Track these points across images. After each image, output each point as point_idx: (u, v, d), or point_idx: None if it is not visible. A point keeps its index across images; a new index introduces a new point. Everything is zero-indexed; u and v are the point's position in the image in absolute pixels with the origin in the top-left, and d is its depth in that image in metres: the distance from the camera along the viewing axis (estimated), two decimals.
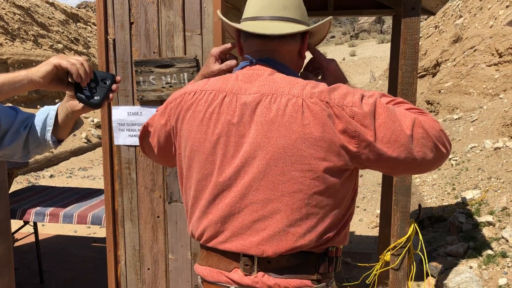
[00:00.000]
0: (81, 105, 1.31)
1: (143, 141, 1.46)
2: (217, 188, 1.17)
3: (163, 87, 2.60)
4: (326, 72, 1.29)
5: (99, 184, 8.15)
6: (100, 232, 5.64)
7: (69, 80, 1.28)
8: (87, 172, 9.70)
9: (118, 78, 1.33)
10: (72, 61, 1.23)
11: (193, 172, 1.21)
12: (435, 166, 1.17)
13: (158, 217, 2.72)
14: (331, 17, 1.28)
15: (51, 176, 9.20)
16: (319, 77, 1.33)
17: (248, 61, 1.23)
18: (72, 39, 15.47)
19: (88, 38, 17.06)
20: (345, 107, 1.08)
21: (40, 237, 4.33)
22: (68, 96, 1.33)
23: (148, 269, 2.78)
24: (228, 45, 1.35)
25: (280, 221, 1.11)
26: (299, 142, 1.08)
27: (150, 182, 2.71)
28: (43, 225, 5.65)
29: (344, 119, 1.07)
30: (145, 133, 1.44)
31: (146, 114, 2.64)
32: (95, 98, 1.27)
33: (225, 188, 1.16)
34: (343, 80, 1.28)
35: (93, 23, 18.62)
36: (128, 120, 2.67)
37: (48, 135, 1.37)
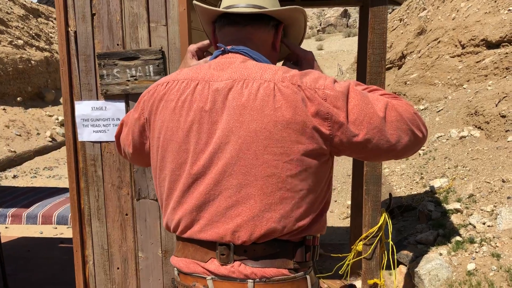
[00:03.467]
0: None
1: (119, 141, 1.43)
2: (191, 176, 1.14)
3: (128, 80, 2.51)
4: (304, 61, 1.32)
5: (66, 184, 7.91)
6: (67, 232, 5.48)
7: None
8: (52, 171, 9.42)
9: None
10: None
11: (167, 162, 1.19)
12: (412, 151, 1.16)
13: (127, 214, 2.64)
14: (299, 7, 1.25)
15: (14, 176, 8.90)
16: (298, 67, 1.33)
17: (221, 50, 1.22)
18: (33, 34, 14.97)
19: (50, 34, 16.55)
20: (317, 90, 1.08)
21: (3, 240, 4.16)
22: None
23: (118, 268, 2.70)
24: (206, 42, 1.36)
25: (254, 205, 1.09)
26: (271, 125, 1.07)
27: (117, 179, 2.63)
28: (6, 227, 5.45)
29: (316, 101, 1.07)
30: (120, 132, 1.42)
31: (111, 108, 2.55)
32: None
33: (200, 176, 1.14)
34: (320, 71, 1.27)
35: (55, 18, 18.05)
36: (92, 115, 2.57)
37: None
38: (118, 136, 1.44)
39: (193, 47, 1.37)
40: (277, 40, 1.27)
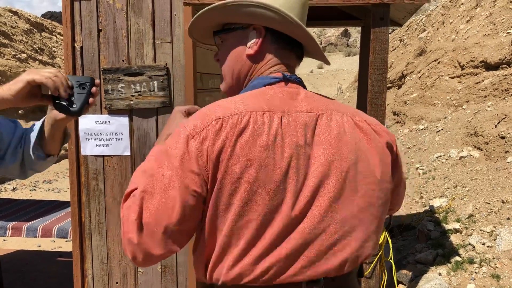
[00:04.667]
0: (62, 114, 1.27)
1: (142, 235, 0.98)
2: (292, 218, 1.02)
3: (132, 96, 2.54)
4: None
5: (65, 197, 7.91)
6: (65, 246, 5.46)
7: (43, 93, 1.23)
8: (52, 184, 9.41)
9: (97, 81, 1.28)
10: (46, 75, 1.18)
11: (254, 206, 1.00)
12: (397, 208, 1.36)
13: None
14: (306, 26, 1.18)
15: (14, 189, 8.88)
16: None
17: (279, 77, 1.11)
18: (37, 48, 15.11)
19: (54, 48, 16.70)
20: (378, 126, 1.16)
21: (1, 253, 4.15)
22: (50, 107, 1.29)
23: (117, 283, 2.69)
24: (196, 107, 1.20)
25: (357, 237, 1.09)
26: (364, 156, 1.09)
27: (118, 193, 2.64)
28: (4, 240, 5.43)
29: (384, 133, 1.15)
30: (140, 218, 0.97)
31: (115, 123, 2.58)
32: (74, 106, 1.22)
33: (300, 217, 1.03)
34: None
35: (59, 33, 18.25)
36: (95, 129, 2.60)
37: (30, 148, 1.32)
38: (137, 233, 0.97)
39: (182, 108, 1.20)
40: None
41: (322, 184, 1.03)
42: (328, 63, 1.24)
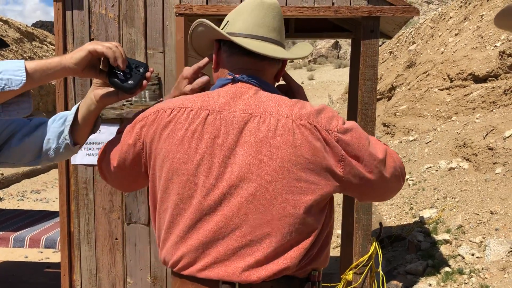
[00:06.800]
0: (106, 91, 1.27)
1: (102, 162, 1.33)
2: (200, 212, 1.09)
3: (124, 105, 2.54)
4: (297, 95, 1.32)
5: (53, 207, 7.82)
6: (53, 257, 5.39)
7: (101, 67, 1.25)
8: (40, 194, 9.30)
9: (151, 68, 1.30)
10: (107, 45, 1.20)
11: (170, 194, 1.13)
12: (393, 195, 1.28)
13: (116, 239, 2.62)
14: (312, 48, 1.33)
15: (1, 199, 8.77)
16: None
17: (229, 78, 1.19)
18: (27, 57, 15.03)
19: (44, 57, 16.62)
20: (330, 132, 1.09)
21: None
22: (95, 85, 1.29)
23: None
24: (201, 63, 1.29)
25: (270, 245, 1.07)
26: (291, 165, 1.06)
27: (108, 202, 2.62)
28: None
29: (331, 144, 1.09)
30: (103, 158, 1.33)
31: (105, 132, 2.57)
32: (129, 82, 1.23)
33: (209, 212, 1.09)
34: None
35: (50, 42, 18.19)
36: None
37: (66, 131, 1.31)
38: (101, 161, 1.34)
39: (189, 72, 1.28)
40: (281, 71, 1.28)
41: (236, 186, 1.07)
42: (280, 58, 1.22)
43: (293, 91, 1.33)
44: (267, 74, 1.23)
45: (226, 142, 1.08)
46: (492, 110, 7.25)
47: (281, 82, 1.37)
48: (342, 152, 1.09)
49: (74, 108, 1.35)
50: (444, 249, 4.01)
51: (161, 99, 1.41)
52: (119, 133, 1.32)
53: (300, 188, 1.07)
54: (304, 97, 1.33)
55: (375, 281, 2.99)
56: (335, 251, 5.68)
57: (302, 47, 1.32)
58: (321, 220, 1.13)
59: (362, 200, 1.28)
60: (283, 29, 1.25)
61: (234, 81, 1.18)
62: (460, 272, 3.55)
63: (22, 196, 9.10)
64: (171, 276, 1.21)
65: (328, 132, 1.09)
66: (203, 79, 1.27)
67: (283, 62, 1.27)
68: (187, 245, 1.11)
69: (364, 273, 2.85)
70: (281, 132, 1.07)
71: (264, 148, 1.07)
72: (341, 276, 3.09)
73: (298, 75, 40.83)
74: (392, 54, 15.44)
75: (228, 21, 1.24)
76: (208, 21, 1.20)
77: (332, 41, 52.04)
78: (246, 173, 1.07)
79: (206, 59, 1.29)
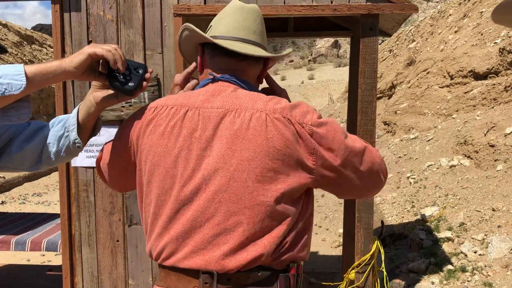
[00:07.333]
0: (105, 93, 1.27)
1: (100, 164, 1.39)
2: (178, 202, 1.14)
3: (123, 107, 2.53)
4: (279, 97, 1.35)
5: (55, 210, 7.82)
6: (55, 259, 5.38)
7: (100, 70, 1.25)
8: (41, 197, 9.31)
9: (150, 69, 1.31)
10: (107, 48, 1.20)
11: (153, 188, 1.18)
12: (374, 192, 1.31)
13: (118, 241, 2.62)
14: (291, 49, 1.40)
15: (3, 202, 8.77)
16: None
17: (210, 78, 1.25)
18: (27, 61, 15.05)
19: (44, 60, 16.65)
20: (304, 125, 1.14)
21: None
22: (94, 88, 1.29)
23: None
24: (189, 68, 1.35)
25: (243, 233, 1.11)
26: (263, 155, 1.11)
27: (109, 205, 2.62)
28: None
29: (304, 136, 1.13)
30: (101, 158, 1.38)
31: (105, 134, 2.56)
32: (130, 84, 1.25)
33: (187, 202, 1.14)
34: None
35: (49, 45, 18.21)
36: None
37: (73, 134, 1.31)
38: (99, 161, 1.40)
39: (179, 78, 1.36)
40: (264, 73, 1.33)
41: (211, 176, 1.12)
42: (262, 55, 1.25)
43: (276, 94, 1.36)
44: (248, 74, 1.27)
45: (203, 136, 1.14)
46: (492, 107, 7.23)
47: (266, 85, 1.41)
48: (314, 145, 1.13)
49: (74, 111, 1.34)
50: (447, 247, 4.00)
51: None
52: None
53: (271, 178, 1.11)
54: (287, 99, 1.35)
55: (378, 280, 2.98)
56: (337, 250, 5.67)
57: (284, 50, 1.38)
58: (294, 210, 1.15)
59: (340, 196, 1.31)
60: (264, 32, 1.30)
61: (214, 80, 1.24)
62: (463, 269, 3.54)
63: (24, 199, 9.11)
64: (158, 269, 1.24)
65: (302, 125, 1.13)
66: (192, 83, 1.34)
67: (264, 63, 1.31)
68: (168, 236, 1.15)
69: (367, 272, 2.84)
70: (255, 125, 1.12)
71: (238, 139, 1.12)
72: (343, 275, 3.08)
73: (298, 75, 40.83)
74: (392, 52, 15.42)
75: (211, 25, 1.30)
76: (192, 25, 1.25)
77: (332, 40, 52.02)
78: (220, 163, 1.12)
79: (194, 64, 1.35)
